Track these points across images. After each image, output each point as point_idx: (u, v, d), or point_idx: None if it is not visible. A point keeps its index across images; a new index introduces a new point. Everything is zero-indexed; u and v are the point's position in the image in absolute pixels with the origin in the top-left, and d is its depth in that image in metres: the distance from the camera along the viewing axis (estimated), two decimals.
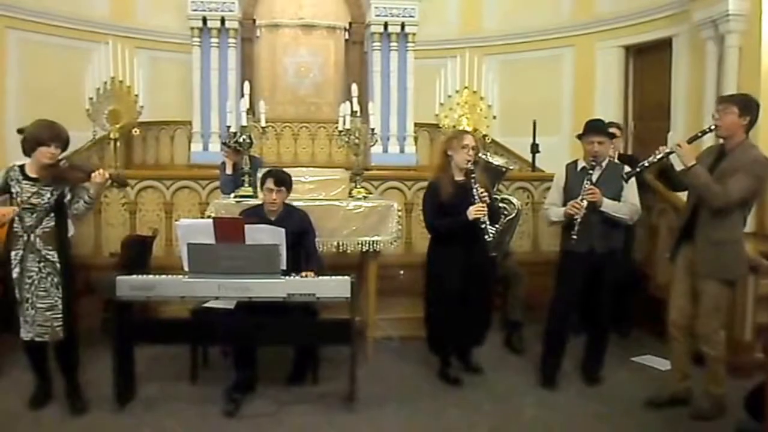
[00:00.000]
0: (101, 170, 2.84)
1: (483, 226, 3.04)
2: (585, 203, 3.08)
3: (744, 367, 3.19)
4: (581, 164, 3.24)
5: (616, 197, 3.15)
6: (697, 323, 2.86)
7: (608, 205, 3.11)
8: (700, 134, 2.89)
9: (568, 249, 3.15)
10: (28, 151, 2.79)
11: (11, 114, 5.76)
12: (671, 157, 2.90)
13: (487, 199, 3.09)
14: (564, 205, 3.20)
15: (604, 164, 3.20)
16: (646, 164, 2.90)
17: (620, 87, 6.57)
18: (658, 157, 2.85)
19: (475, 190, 3.09)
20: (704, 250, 2.81)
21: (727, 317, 3.00)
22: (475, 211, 3.05)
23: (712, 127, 2.85)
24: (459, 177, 3.20)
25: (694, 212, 2.88)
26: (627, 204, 3.16)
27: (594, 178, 3.14)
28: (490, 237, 3.07)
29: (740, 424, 2.68)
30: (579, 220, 3.07)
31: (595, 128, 3.19)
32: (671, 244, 3.06)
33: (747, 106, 2.81)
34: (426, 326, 3.38)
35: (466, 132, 3.42)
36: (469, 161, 3.14)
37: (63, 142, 2.81)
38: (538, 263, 4.34)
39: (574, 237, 3.06)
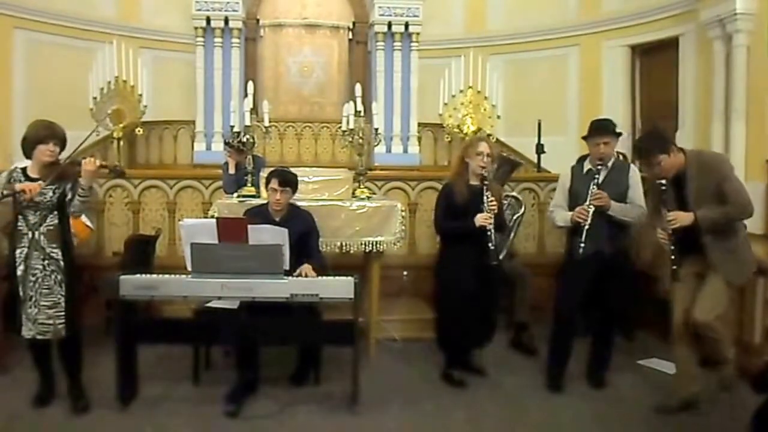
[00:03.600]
0: (90, 158, 2.86)
1: (488, 233, 3.09)
2: (592, 209, 3.04)
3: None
4: (587, 165, 3.20)
5: (622, 197, 3.12)
6: (695, 309, 2.79)
7: (616, 209, 3.08)
8: (665, 197, 2.79)
9: (574, 251, 3.11)
10: (28, 152, 2.82)
11: (18, 112, 5.78)
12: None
13: (495, 209, 3.13)
14: (570, 207, 3.17)
15: (609, 164, 3.16)
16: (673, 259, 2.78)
17: (627, 86, 6.52)
18: (672, 247, 2.77)
19: (486, 198, 3.13)
20: (723, 261, 2.78)
21: (736, 320, 2.96)
22: (483, 219, 3.09)
23: (663, 183, 2.78)
24: (474, 182, 3.23)
25: (689, 230, 2.79)
26: (634, 206, 3.13)
27: (600, 179, 3.11)
28: (493, 245, 3.12)
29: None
30: (586, 226, 3.02)
31: (600, 128, 3.14)
32: (673, 265, 2.87)
33: (664, 141, 2.80)
34: (437, 326, 3.38)
35: (482, 139, 3.44)
36: (483, 167, 3.17)
37: (61, 140, 2.83)
38: (544, 265, 4.31)
39: (583, 245, 3.01)
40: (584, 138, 3.21)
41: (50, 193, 2.78)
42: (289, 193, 3.16)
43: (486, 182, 3.17)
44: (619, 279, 3.17)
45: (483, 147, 3.21)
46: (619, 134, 3.19)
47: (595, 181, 3.08)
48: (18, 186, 2.72)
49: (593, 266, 3.10)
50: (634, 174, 3.19)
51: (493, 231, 3.11)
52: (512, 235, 4.03)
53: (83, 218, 3.00)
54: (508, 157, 4.29)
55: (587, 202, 3.05)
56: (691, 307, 2.84)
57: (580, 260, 3.08)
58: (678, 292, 2.94)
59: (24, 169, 2.83)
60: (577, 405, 3.05)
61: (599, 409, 3.01)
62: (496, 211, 3.13)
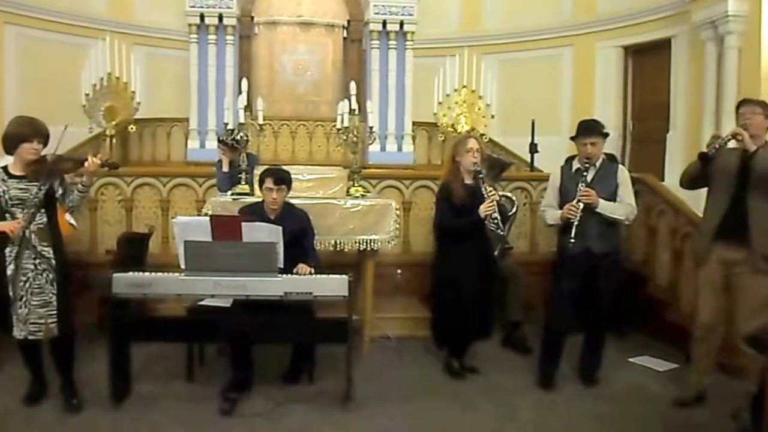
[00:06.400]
0: (92, 158, 2.83)
1: (495, 221, 3.15)
2: (581, 206, 3.07)
3: None
4: (575, 165, 3.24)
5: (611, 197, 3.16)
6: (739, 320, 2.82)
7: (604, 207, 3.11)
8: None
9: (565, 250, 3.15)
10: (9, 149, 2.77)
11: (9, 109, 5.73)
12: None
13: (496, 196, 3.19)
14: (560, 206, 3.20)
15: (597, 164, 3.19)
16: (717, 146, 2.88)
17: (619, 87, 6.56)
18: (726, 138, 2.89)
19: (483, 189, 3.19)
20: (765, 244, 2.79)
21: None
22: (486, 209, 3.13)
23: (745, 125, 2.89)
24: (468, 180, 3.28)
25: (730, 211, 2.84)
26: (623, 204, 3.17)
27: (588, 178, 3.14)
28: (503, 231, 3.18)
29: (743, 422, 2.66)
30: (576, 222, 3.06)
31: (587, 129, 3.19)
32: (702, 245, 2.98)
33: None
34: (433, 324, 3.41)
35: (470, 136, 3.51)
36: (475, 163, 3.22)
37: (44, 137, 2.79)
38: (536, 263, 4.34)
39: (572, 240, 3.05)
40: (572, 138, 3.25)
41: (35, 190, 2.73)
42: (284, 191, 3.16)
43: (481, 176, 3.23)
44: (609, 277, 3.20)
45: (472, 143, 3.27)
46: (606, 135, 3.23)
47: (584, 178, 3.12)
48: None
49: (584, 264, 3.13)
50: (623, 172, 3.24)
51: (499, 218, 3.16)
52: (507, 234, 4.04)
53: (67, 216, 2.96)
54: (499, 157, 4.32)
55: (575, 200, 3.09)
56: (721, 309, 2.88)
57: (571, 258, 3.11)
58: (705, 291, 2.95)
59: (5, 168, 2.78)
60: (569, 403, 3.08)
61: (591, 406, 3.03)
62: (497, 199, 3.19)
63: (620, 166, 3.30)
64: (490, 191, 3.18)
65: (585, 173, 3.14)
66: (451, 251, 3.29)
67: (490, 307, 3.39)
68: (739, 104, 3.01)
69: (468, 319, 3.25)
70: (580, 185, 3.10)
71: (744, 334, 2.70)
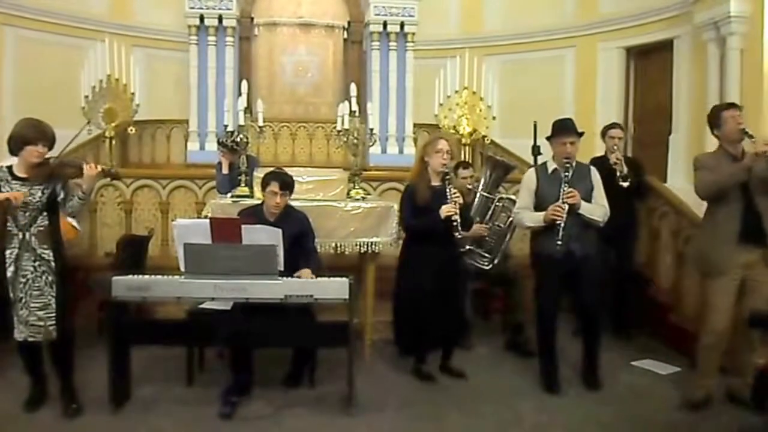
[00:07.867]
0: (92, 163, 2.83)
1: (455, 223, 3.14)
2: (566, 206, 3.02)
3: None
4: (551, 166, 3.20)
5: (588, 198, 3.14)
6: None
7: (585, 208, 3.09)
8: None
9: (547, 253, 3.08)
10: (14, 150, 2.76)
11: (7, 111, 5.72)
12: None
13: (459, 200, 3.18)
14: (537, 209, 3.15)
15: (573, 164, 3.15)
16: None
17: (621, 89, 6.54)
18: None
19: (448, 191, 3.18)
20: None
21: None
22: (447, 210, 3.13)
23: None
24: (435, 182, 3.27)
25: (746, 216, 2.82)
26: (599, 206, 3.15)
27: (569, 177, 3.09)
28: (460, 235, 3.17)
29: (743, 423, 2.65)
30: (562, 225, 3.00)
31: (566, 128, 3.15)
32: (723, 254, 2.87)
33: None
34: (394, 327, 3.40)
35: (441, 137, 3.49)
36: (444, 164, 3.21)
37: (49, 140, 2.78)
38: None
39: (560, 243, 2.99)
40: (548, 138, 3.22)
41: (39, 194, 2.73)
42: (287, 195, 3.16)
43: (448, 178, 3.21)
44: (593, 278, 3.16)
45: (442, 144, 3.25)
46: (582, 134, 3.21)
47: (565, 179, 3.07)
48: (1, 196, 2.66)
49: (564, 267, 3.10)
50: (596, 174, 3.22)
51: (459, 222, 3.14)
52: (508, 237, 4.02)
53: (69, 219, 2.95)
54: (503, 159, 4.29)
55: (560, 200, 3.03)
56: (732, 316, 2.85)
57: (552, 262, 3.07)
58: (721, 300, 2.89)
59: (10, 168, 2.77)
60: (572, 406, 3.06)
61: (594, 410, 3.01)
62: (460, 202, 3.17)
63: (592, 167, 3.27)
64: (455, 194, 3.16)
65: (566, 174, 3.09)
66: (412, 253, 3.28)
67: (458, 313, 3.35)
68: (723, 108, 2.97)
69: (426, 322, 3.21)
70: (563, 186, 3.05)
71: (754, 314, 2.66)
